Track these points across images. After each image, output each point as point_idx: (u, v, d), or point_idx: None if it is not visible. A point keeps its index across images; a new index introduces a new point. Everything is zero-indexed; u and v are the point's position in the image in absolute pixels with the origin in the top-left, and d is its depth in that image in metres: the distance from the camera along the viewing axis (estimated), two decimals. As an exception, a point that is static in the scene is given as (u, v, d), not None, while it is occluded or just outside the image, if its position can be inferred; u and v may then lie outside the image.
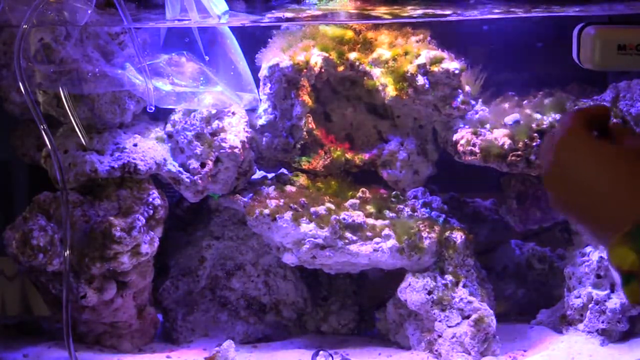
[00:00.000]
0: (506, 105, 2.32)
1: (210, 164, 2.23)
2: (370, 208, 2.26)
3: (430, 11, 2.12)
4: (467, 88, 2.28)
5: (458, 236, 2.24)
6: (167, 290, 2.40)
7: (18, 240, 2.08)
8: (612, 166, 0.94)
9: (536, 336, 2.33)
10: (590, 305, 2.26)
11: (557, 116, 2.21)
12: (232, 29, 2.23)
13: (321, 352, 2.17)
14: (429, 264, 2.24)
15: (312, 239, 2.17)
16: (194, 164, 2.24)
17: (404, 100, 2.27)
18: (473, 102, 2.31)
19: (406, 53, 2.26)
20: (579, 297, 2.29)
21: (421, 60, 2.23)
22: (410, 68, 2.23)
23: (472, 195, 2.60)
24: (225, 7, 1.97)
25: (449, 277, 2.21)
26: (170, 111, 2.29)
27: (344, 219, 2.19)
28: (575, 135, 0.98)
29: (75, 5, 1.87)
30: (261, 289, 2.41)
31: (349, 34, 2.30)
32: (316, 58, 2.26)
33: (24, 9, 1.82)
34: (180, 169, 2.25)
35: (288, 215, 2.18)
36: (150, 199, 2.21)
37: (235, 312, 2.40)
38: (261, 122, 2.32)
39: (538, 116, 2.24)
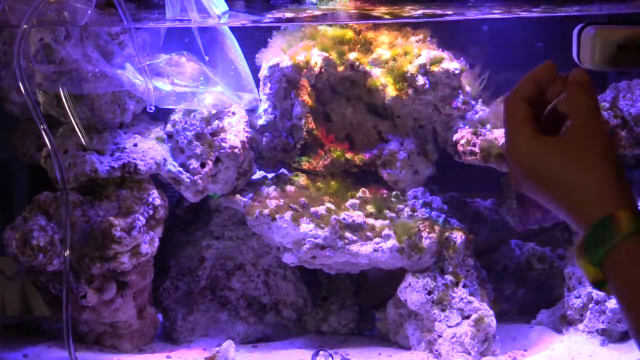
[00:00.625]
0: (506, 105, 2.31)
1: (210, 164, 2.23)
2: (370, 208, 2.26)
3: (430, 11, 2.12)
4: (467, 88, 2.28)
5: (458, 236, 2.24)
6: (167, 290, 2.40)
7: (18, 240, 2.08)
8: (559, 164, 0.88)
9: (536, 336, 2.33)
10: (590, 305, 2.26)
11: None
12: (232, 29, 2.23)
13: (321, 352, 2.17)
14: (429, 264, 2.24)
15: (312, 239, 2.17)
16: (194, 164, 2.24)
17: (404, 100, 2.27)
18: (473, 102, 2.31)
19: (406, 53, 2.26)
20: (579, 297, 2.29)
21: (421, 60, 2.23)
22: (411, 68, 2.23)
23: (472, 195, 2.60)
24: (225, 7, 1.97)
25: (449, 277, 2.21)
26: (170, 111, 2.29)
27: (344, 219, 2.19)
28: (517, 134, 0.92)
29: (75, 5, 1.87)
30: (261, 289, 2.41)
31: (349, 34, 2.30)
32: (316, 58, 2.26)
33: (24, 9, 1.82)
34: (180, 169, 2.25)
35: (288, 215, 2.18)
36: (150, 199, 2.21)
37: (235, 312, 2.40)
38: (261, 122, 2.32)
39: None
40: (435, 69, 2.23)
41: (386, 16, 2.19)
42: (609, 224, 0.83)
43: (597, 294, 2.25)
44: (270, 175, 2.38)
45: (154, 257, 2.27)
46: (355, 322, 2.45)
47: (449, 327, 2.17)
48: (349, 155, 2.35)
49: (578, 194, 0.87)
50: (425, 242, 2.20)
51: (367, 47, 2.31)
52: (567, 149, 0.89)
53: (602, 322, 2.23)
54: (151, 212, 2.21)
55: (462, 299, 2.18)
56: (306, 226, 2.17)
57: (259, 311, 2.41)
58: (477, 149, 2.23)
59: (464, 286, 2.21)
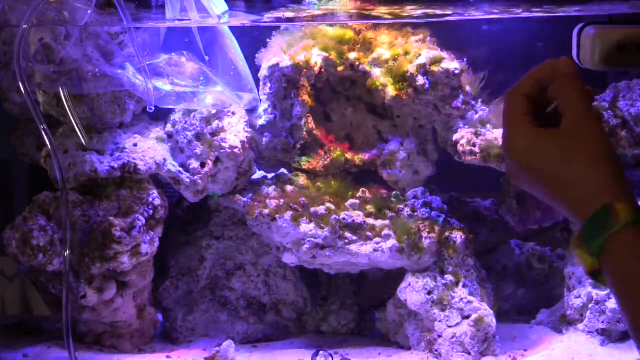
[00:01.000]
0: (506, 105, 2.31)
1: (210, 164, 2.23)
2: (370, 208, 2.26)
3: (430, 11, 2.12)
4: (467, 88, 2.28)
5: (458, 236, 2.24)
6: (167, 290, 2.40)
7: (18, 240, 2.08)
8: (557, 159, 0.88)
9: (536, 336, 2.33)
10: (590, 305, 2.25)
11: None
12: (232, 29, 2.23)
13: (321, 352, 2.17)
14: (429, 264, 2.24)
15: (312, 239, 2.17)
16: (194, 164, 2.24)
17: (404, 100, 2.27)
18: (473, 102, 2.31)
19: (406, 53, 2.26)
20: (579, 297, 2.29)
21: (421, 60, 2.23)
22: (411, 68, 2.23)
23: (472, 195, 2.60)
24: (225, 7, 1.97)
25: (449, 277, 2.21)
26: (170, 111, 2.29)
27: (344, 219, 2.19)
28: (515, 128, 0.92)
29: (75, 5, 1.87)
30: (261, 289, 2.41)
31: (349, 34, 2.30)
32: (316, 58, 2.26)
33: (24, 9, 1.82)
34: (180, 169, 2.25)
35: (288, 215, 2.18)
36: (150, 199, 2.21)
37: (235, 312, 2.40)
38: (261, 122, 2.32)
39: (538, 116, 2.24)
40: (435, 69, 2.23)
41: (386, 16, 2.19)
42: (608, 214, 0.84)
43: (597, 293, 2.25)
44: (270, 175, 2.38)
45: (154, 257, 2.27)
46: (355, 322, 2.45)
47: (449, 327, 2.17)
48: (349, 155, 2.35)
49: (577, 189, 0.87)
50: (425, 242, 2.20)
51: (367, 47, 2.31)
52: (565, 144, 0.89)
53: (602, 322, 2.23)
54: (151, 212, 2.21)
55: (462, 299, 2.18)
56: (306, 226, 2.17)
57: (259, 311, 2.41)
58: (477, 149, 2.23)
59: (464, 286, 2.21)
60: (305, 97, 2.31)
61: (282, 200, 2.23)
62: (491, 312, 2.19)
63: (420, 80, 2.22)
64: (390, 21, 2.26)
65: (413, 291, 2.20)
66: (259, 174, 2.38)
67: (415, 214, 2.28)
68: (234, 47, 2.23)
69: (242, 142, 2.25)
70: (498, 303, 2.32)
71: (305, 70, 2.26)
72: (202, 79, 2.19)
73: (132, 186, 2.21)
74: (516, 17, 2.18)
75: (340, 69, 2.29)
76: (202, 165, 2.24)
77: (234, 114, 2.27)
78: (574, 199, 0.88)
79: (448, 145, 2.34)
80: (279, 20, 2.21)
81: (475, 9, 2.13)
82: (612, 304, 2.22)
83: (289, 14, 2.15)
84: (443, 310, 2.19)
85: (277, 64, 2.26)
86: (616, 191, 0.86)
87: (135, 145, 2.20)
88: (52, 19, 1.92)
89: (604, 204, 0.84)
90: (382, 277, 2.44)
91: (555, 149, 0.89)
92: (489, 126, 2.28)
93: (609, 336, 2.25)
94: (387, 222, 2.23)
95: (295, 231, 2.17)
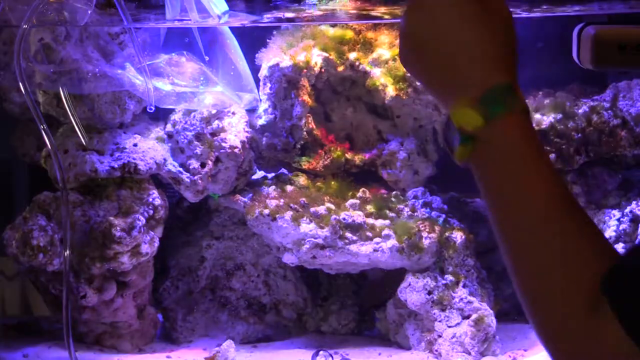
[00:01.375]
0: (506, 105, 2.31)
1: (210, 164, 2.23)
2: (370, 208, 2.26)
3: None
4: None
5: (458, 236, 2.24)
6: (167, 290, 2.40)
7: (18, 240, 2.08)
8: (477, 18, 0.85)
9: (536, 336, 2.33)
10: (590, 305, 2.25)
11: (558, 116, 2.22)
12: (232, 29, 2.23)
13: (321, 352, 2.17)
14: (429, 264, 2.24)
15: (312, 239, 2.17)
16: (194, 164, 2.24)
17: (404, 100, 2.27)
18: (473, 102, 2.30)
19: (406, 53, 2.26)
20: (579, 297, 2.28)
21: (421, 60, 2.23)
22: (410, 68, 2.23)
23: (472, 195, 2.60)
24: (225, 7, 1.97)
25: (449, 277, 2.21)
26: (170, 111, 2.29)
27: (344, 219, 2.19)
28: None
29: (75, 5, 1.87)
30: (261, 289, 2.41)
31: (349, 34, 2.30)
32: (316, 58, 2.26)
33: (24, 9, 1.82)
34: (181, 169, 2.25)
35: (288, 215, 2.18)
36: (151, 199, 2.21)
37: (235, 312, 2.40)
38: (261, 122, 2.32)
39: (538, 116, 2.24)
40: (435, 69, 2.22)
41: (386, 16, 2.19)
42: (514, 92, 0.83)
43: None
44: (270, 175, 2.38)
45: (154, 257, 2.27)
46: (355, 322, 2.45)
47: (449, 327, 2.17)
48: (349, 155, 2.35)
49: (489, 55, 0.85)
50: (425, 242, 2.20)
51: (367, 47, 2.31)
52: (486, 13, 0.86)
53: (602, 322, 2.23)
54: (151, 212, 2.21)
55: (462, 299, 2.19)
56: (306, 226, 2.17)
57: (259, 311, 2.41)
58: (477, 149, 2.23)
59: (464, 286, 2.21)
60: (305, 97, 2.31)
61: (282, 200, 2.23)
62: (491, 312, 2.19)
63: (420, 80, 2.22)
64: (391, 21, 2.26)
65: (413, 291, 2.20)
66: (259, 174, 2.38)
67: (415, 214, 2.28)
68: (234, 47, 2.23)
69: (242, 142, 2.25)
70: (498, 303, 2.31)
71: (305, 70, 2.26)
72: (202, 79, 2.19)
73: (132, 186, 2.21)
74: (516, 17, 2.17)
75: (340, 69, 2.29)
76: (202, 165, 2.24)
77: (234, 114, 2.27)
78: (477, 67, 0.85)
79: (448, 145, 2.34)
80: (279, 20, 2.21)
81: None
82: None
83: (289, 14, 2.15)
84: (443, 310, 2.19)
85: (277, 64, 2.26)
86: (516, 77, 0.85)
87: (135, 145, 2.20)
88: (52, 19, 1.93)
89: (512, 81, 0.83)
90: (382, 277, 2.44)
91: (478, 9, 0.85)
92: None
93: (609, 336, 2.24)
94: (387, 222, 2.23)
95: (295, 231, 2.17)
